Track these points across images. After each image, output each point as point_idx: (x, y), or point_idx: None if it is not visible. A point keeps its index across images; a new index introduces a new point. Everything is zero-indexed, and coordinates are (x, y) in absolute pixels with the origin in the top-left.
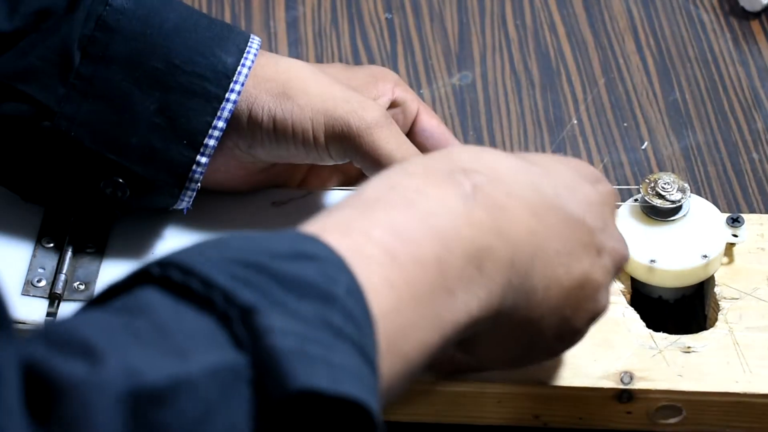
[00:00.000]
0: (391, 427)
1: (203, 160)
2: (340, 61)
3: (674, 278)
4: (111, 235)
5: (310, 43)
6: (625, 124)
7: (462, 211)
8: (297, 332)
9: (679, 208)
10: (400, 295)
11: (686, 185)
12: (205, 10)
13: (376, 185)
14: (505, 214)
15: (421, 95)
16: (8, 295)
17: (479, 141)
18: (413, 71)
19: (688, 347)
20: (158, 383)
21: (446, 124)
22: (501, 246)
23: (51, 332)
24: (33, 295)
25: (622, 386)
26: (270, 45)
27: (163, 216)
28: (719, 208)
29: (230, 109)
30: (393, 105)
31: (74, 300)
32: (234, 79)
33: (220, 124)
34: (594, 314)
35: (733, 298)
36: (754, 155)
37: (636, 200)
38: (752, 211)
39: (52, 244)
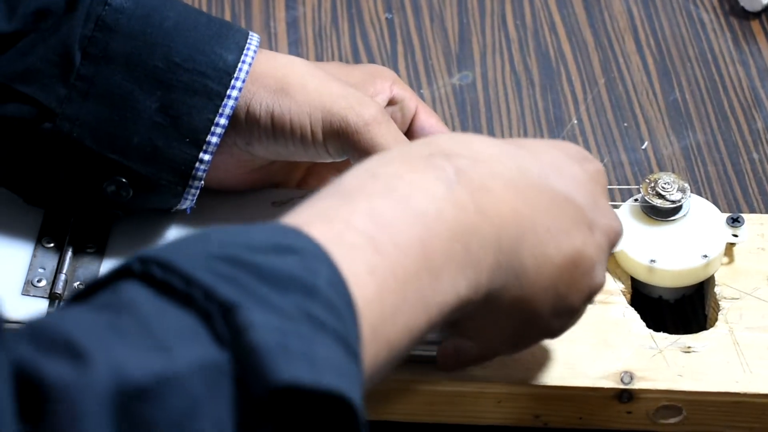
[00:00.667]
0: (391, 427)
1: (206, 157)
2: (340, 61)
3: (674, 278)
4: (111, 235)
5: (310, 43)
6: (625, 124)
7: (444, 194)
8: (278, 327)
9: (679, 208)
10: (383, 280)
11: (686, 185)
12: (205, 10)
13: (355, 174)
14: (489, 194)
15: (421, 95)
16: (1, 296)
17: None
18: (413, 71)
19: (689, 347)
20: (144, 380)
21: (446, 124)
22: (486, 226)
23: (36, 331)
24: (33, 295)
25: (622, 386)
26: (270, 45)
27: (163, 216)
28: (719, 208)
29: (232, 106)
30: (391, 103)
31: None
32: (235, 75)
33: (222, 121)
34: (590, 291)
35: (733, 298)
36: (754, 155)
37: (636, 200)
38: (752, 211)
39: (52, 244)
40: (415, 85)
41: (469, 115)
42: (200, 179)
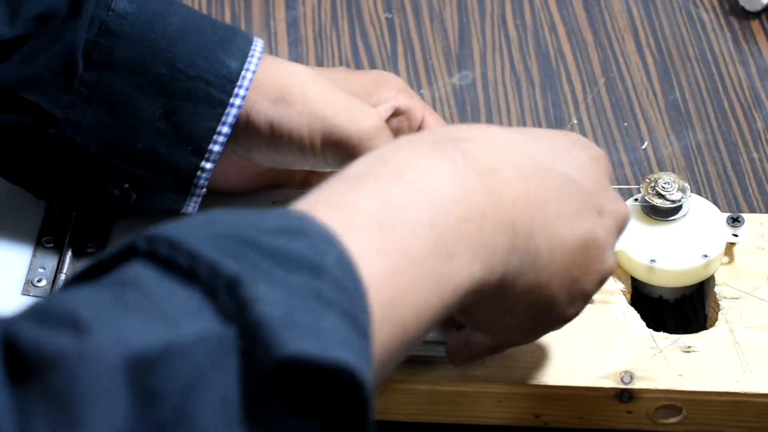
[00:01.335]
0: (391, 427)
1: (208, 165)
2: (340, 61)
3: (674, 278)
4: (111, 235)
5: (310, 43)
6: (625, 124)
7: (452, 176)
8: (284, 302)
9: (680, 207)
10: (394, 261)
11: (686, 185)
12: (205, 11)
13: (364, 161)
14: (497, 177)
15: (421, 95)
16: None
17: None
18: (413, 71)
19: (689, 347)
20: (149, 350)
21: (447, 123)
22: (497, 207)
23: (38, 308)
24: (33, 295)
25: (622, 386)
26: (270, 45)
27: (163, 215)
28: (719, 208)
29: (235, 114)
30: (397, 113)
31: None
32: (238, 84)
33: (225, 129)
34: (602, 275)
35: (733, 298)
36: (754, 155)
37: (636, 200)
38: (752, 210)
39: (52, 244)
40: (415, 85)
41: (469, 115)
42: (202, 187)
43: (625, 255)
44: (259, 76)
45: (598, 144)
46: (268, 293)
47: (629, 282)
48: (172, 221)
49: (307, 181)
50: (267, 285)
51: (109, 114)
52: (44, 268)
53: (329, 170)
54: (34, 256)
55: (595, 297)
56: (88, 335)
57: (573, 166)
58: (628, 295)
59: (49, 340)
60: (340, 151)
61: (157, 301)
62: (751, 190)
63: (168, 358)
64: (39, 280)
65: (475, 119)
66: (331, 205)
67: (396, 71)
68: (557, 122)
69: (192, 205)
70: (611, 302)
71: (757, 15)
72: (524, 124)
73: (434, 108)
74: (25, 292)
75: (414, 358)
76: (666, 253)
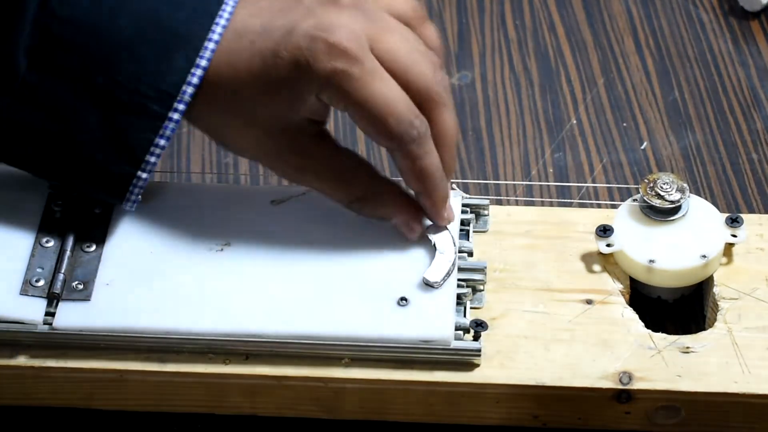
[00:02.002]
0: (390, 427)
1: (144, 175)
2: None
3: (673, 278)
4: (109, 235)
5: None
6: (625, 124)
7: None
8: None
9: (678, 208)
10: None
11: (685, 185)
12: None
13: None
14: None
15: None
16: None
17: (479, 141)
18: None
19: (687, 347)
20: None
21: None
22: None
23: None
24: (32, 295)
25: (621, 386)
26: None
27: (162, 216)
28: (718, 208)
29: (173, 128)
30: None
31: (73, 299)
32: (177, 98)
33: (162, 142)
34: None
35: (732, 299)
36: (754, 155)
37: (635, 200)
38: (751, 211)
39: (50, 244)
40: None
41: (468, 115)
42: (138, 194)
43: (624, 255)
44: (209, 77)
45: (597, 144)
46: None
47: (628, 282)
48: None
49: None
50: None
51: (47, 118)
52: (42, 268)
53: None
54: (32, 255)
55: (595, 297)
56: None
57: None
58: (627, 296)
59: None
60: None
61: None
62: (750, 191)
63: None
64: (37, 280)
65: (475, 119)
66: None
67: None
68: (556, 122)
69: (129, 206)
70: (610, 302)
71: (756, 15)
72: (523, 124)
73: None
74: (23, 292)
75: (415, 359)
76: (665, 253)
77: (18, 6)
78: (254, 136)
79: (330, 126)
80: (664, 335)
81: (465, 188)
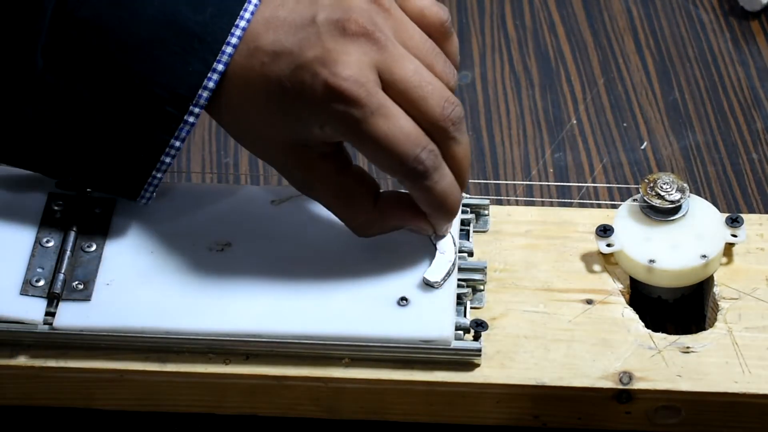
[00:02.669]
0: (391, 427)
1: (159, 175)
2: None
3: (673, 278)
4: (110, 235)
5: None
6: (625, 124)
7: None
8: None
9: (679, 208)
10: None
11: (685, 185)
12: None
13: None
14: None
15: None
16: None
17: (479, 141)
18: None
19: (687, 347)
20: None
21: None
22: None
23: None
24: (32, 295)
25: (621, 386)
26: None
27: (162, 216)
28: (718, 208)
29: (188, 130)
30: None
31: (73, 299)
32: (194, 102)
33: (177, 143)
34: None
35: (732, 299)
36: (754, 155)
37: (635, 200)
38: (751, 211)
39: (51, 244)
40: None
41: (468, 115)
42: (152, 192)
43: (624, 255)
44: (224, 83)
45: (597, 144)
46: None
47: (628, 282)
48: None
49: None
50: None
51: (64, 117)
52: (43, 268)
53: None
54: (32, 255)
55: (595, 297)
56: None
57: None
58: (627, 296)
59: None
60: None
61: None
62: (750, 191)
63: None
64: (37, 280)
65: (475, 119)
66: None
67: None
68: (556, 122)
69: (143, 202)
70: (610, 302)
71: (756, 15)
72: (523, 124)
73: None
74: (23, 292)
75: (414, 359)
76: (665, 253)
77: (36, 7)
78: (262, 145)
79: None
80: (664, 335)
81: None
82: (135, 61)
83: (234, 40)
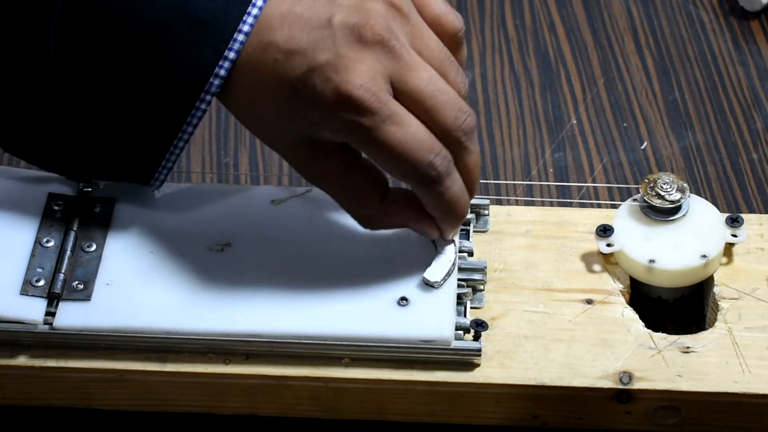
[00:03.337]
0: (391, 427)
1: (172, 158)
2: None
3: (673, 278)
4: (110, 235)
5: None
6: (625, 124)
7: None
8: None
9: (679, 208)
10: None
11: (685, 185)
12: None
13: None
14: None
15: None
16: None
17: (479, 141)
18: None
19: (687, 347)
20: None
21: None
22: None
23: None
24: (32, 295)
25: (621, 386)
26: None
27: (162, 216)
28: (718, 208)
29: (200, 116)
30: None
31: (73, 299)
32: (205, 89)
33: (190, 129)
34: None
35: (732, 299)
36: (754, 155)
37: (635, 200)
38: (751, 211)
39: (51, 244)
40: None
41: None
42: (164, 177)
43: (624, 255)
44: (236, 72)
45: (597, 144)
46: None
47: (628, 282)
48: None
49: None
50: None
51: (75, 103)
52: (43, 268)
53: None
54: (32, 255)
55: (595, 297)
56: None
57: None
58: (627, 296)
59: None
60: None
61: None
62: (750, 191)
63: None
64: (37, 280)
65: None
66: None
67: None
68: (556, 122)
69: (154, 187)
70: (610, 302)
71: (756, 15)
72: (524, 124)
73: None
74: (23, 292)
75: (413, 359)
76: (665, 253)
77: None
78: (271, 137)
79: None
80: (664, 335)
81: None
82: (147, 48)
83: (246, 28)
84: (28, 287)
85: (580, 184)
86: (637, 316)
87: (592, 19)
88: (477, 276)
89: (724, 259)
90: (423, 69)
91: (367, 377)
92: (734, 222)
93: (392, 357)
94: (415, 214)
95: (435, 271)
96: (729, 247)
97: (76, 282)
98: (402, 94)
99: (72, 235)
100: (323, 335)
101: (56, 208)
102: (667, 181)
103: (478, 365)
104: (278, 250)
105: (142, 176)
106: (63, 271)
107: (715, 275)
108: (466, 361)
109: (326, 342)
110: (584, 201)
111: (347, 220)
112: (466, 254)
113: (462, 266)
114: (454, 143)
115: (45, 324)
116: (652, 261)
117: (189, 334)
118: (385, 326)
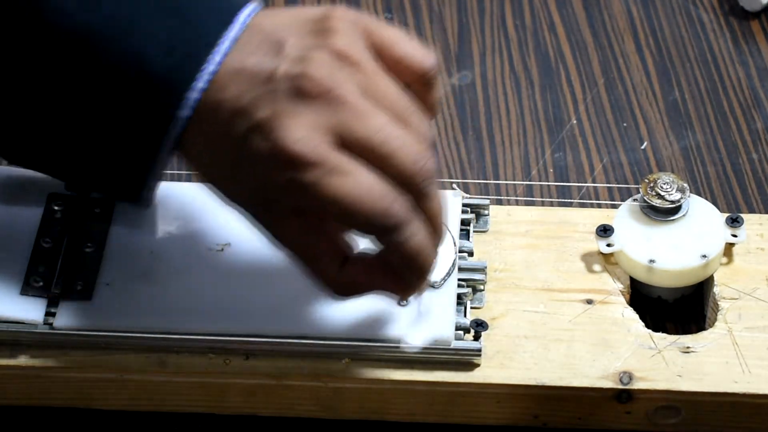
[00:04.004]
0: (391, 427)
1: (152, 188)
2: None
3: (673, 278)
4: (110, 235)
5: None
6: (625, 124)
7: None
8: None
9: (679, 208)
10: None
11: (686, 185)
12: None
13: None
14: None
15: None
16: None
17: (479, 141)
18: None
19: (687, 347)
20: None
21: (446, 124)
22: None
23: None
24: (32, 295)
25: (621, 386)
26: None
27: (162, 216)
28: (719, 208)
29: (162, 167)
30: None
31: (73, 299)
32: (160, 148)
33: (152, 181)
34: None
35: (732, 299)
36: (754, 155)
37: (635, 200)
38: (752, 211)
39: (50, 244)
40: None
41: (468, 115)
42: (151, 193)
43: (624, 255)
44: (193, 126)
45: (597, 144)
46: None
47: (628, 282)
48: None
49: None
50: None
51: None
52: (43, 268)
53: None
54: (32, 255)
55: (595, 297)
56: None
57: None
58: (627, 296)
59: None
60: None
61: None
62: (750, 191)
63: None
64: (37, 280)
65: (475, 120)
66: None
67: None
68: (556, 122)
69: (143, 204)
70: (610, 302)
71: (756, 15)
72: (524, 125)
73: None
74: (23, 292)
75: (412, 359)
76: (665, 253)
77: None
78: (229, 195)
79: None
80: (664, 335)
81: (465, 188)
82: (103, 102)
83: (201, 85)
84: (28, 287)
85: (580, 184)
86: (637, 316)
87: (592, 19)
88: (477, 276)
89: (724, 259)
90: (373, 116)
91: (367, 377)
92: (734, 222)
93: (392, 357)
94: (380, 278)
95: (435, 271)
96: (729, 247)
97: (76, 282)
98: (350, 144)
99: (72, 235)
100: (323, 335)
101: (56, 208)
102: (667, 181)
103: (478, 365)
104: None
105: (127, 194)
106: (63, 271)
107: (715, 275)
108: (466, 361)
109: (326, 342)
110: (584, 201)
111: None
112: (466, 254)
113: (462, 266)
114: (413, 190)
115: (45, 324)
116: (652, 261)
117: (189, 334)
118: (385, 326)
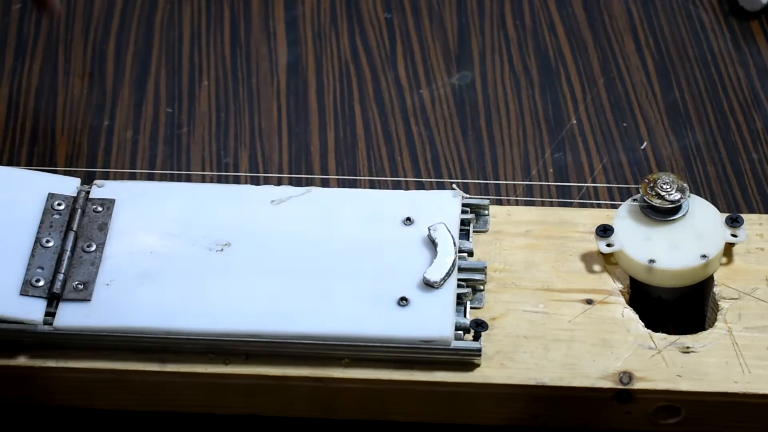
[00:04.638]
0: (391, 427)
1: None
2: (340, 61)
3: (673, 278)
4: (110, 235)
5: (309, 43)
6: (625, 124)
7: None
8: None
9: (679, 208)
10: None
11: (685, 185)
12: (204, 11)
13: None
14: None
15: (420, 95)
16: None
17: (479, 141)
18: (412, 71)
19: (687, 347)
20: None
21: (446, 124)
22: None
23: None
24: (32, 295)
25: (621, 386)
26: (270, 45)
27: (162, 216)
28: (718, 208)
29: None
30: None
31: (73, 299)
32: None
33: None
34: None
35: (732, 299)
36: (754, 155)
37: (635, 200)
38: (751, 211)
39: (51, 244)
40: (414, 85)
41: (468, 115)
42: None
43: (624, 255)
44: None
45: (597, 144)
46: None
47: (628, 282)
48: None
49: None
50: None
51: None
52: (42, 268)
53: None
54: (32, 255)
55: (595, 297)
56: None
57: None
58: (627, 296)
59: None
60: None
61: None
62: (750, 191)
63: None
64: (37, 280)
65: (474, 120)
66: None
67: (395, 71)
68: (556, 122)
69: None
70: (610, 302)
71: (756, 15)
72: (523, 124)
73: (434, 108)
74: (23, 292)
75: (412, 359)
76: (665, 253)
77: None
78: None
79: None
80: (664, 335)
81: (465, 188)
82: None
83: None
84: (28, 287)
85: (580, 184)
86: (637, 316)
87: (592, 19)
88: (477, 276)
89: (724, 259)
90: None
91: (367, 377)
92: (734, 222)
93: (392, 357)
94: None
95: (435, 271)
96: (729, 247)
97: (76, 282)
98: None
99: (72, 235)
100: (323, 335)
101: (56, 208)
102: (667, 181)
103: (478, 365)
104: (278, 250)
105: None
106: (63, 271)
107: (715, 275)
108: (466, 361)
109: (326, 342)
110: (584, 201)
111: (347, 221)
112: (466, 254)
113: (462, 266)
114: None
115: (45, 324)
116: (652, 261)
117: (189, 334)
118: (385, 326)
